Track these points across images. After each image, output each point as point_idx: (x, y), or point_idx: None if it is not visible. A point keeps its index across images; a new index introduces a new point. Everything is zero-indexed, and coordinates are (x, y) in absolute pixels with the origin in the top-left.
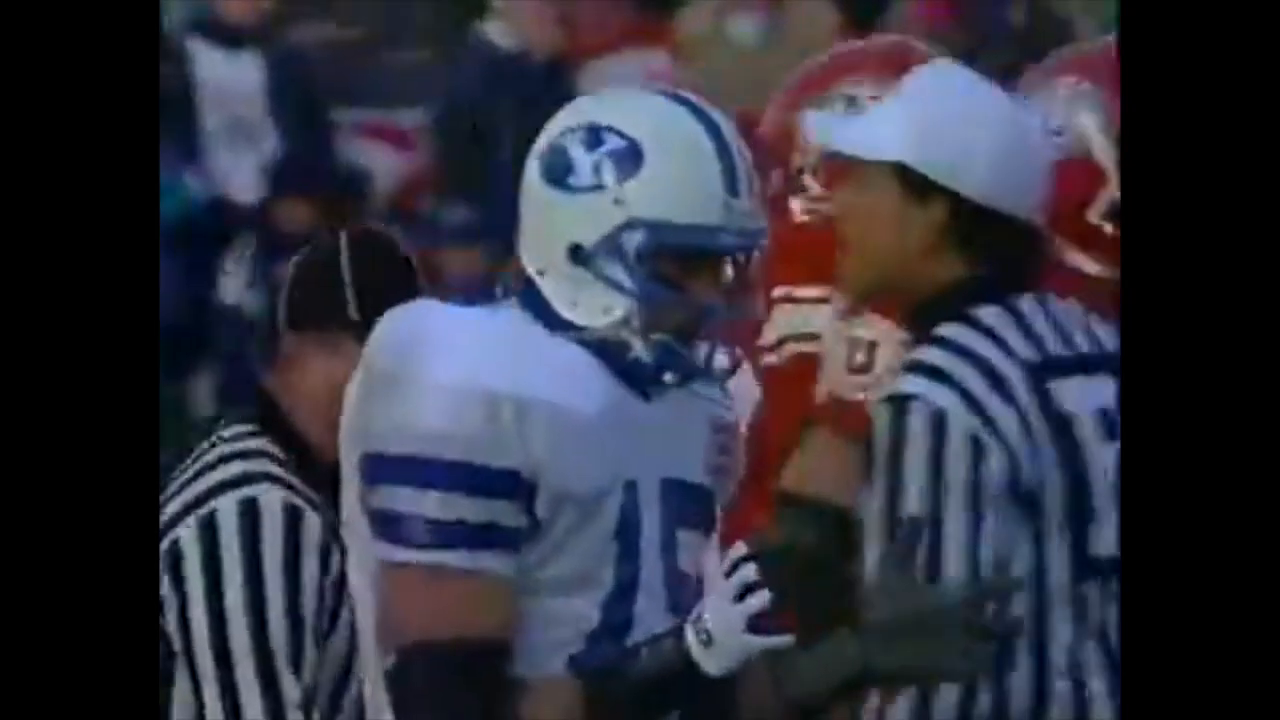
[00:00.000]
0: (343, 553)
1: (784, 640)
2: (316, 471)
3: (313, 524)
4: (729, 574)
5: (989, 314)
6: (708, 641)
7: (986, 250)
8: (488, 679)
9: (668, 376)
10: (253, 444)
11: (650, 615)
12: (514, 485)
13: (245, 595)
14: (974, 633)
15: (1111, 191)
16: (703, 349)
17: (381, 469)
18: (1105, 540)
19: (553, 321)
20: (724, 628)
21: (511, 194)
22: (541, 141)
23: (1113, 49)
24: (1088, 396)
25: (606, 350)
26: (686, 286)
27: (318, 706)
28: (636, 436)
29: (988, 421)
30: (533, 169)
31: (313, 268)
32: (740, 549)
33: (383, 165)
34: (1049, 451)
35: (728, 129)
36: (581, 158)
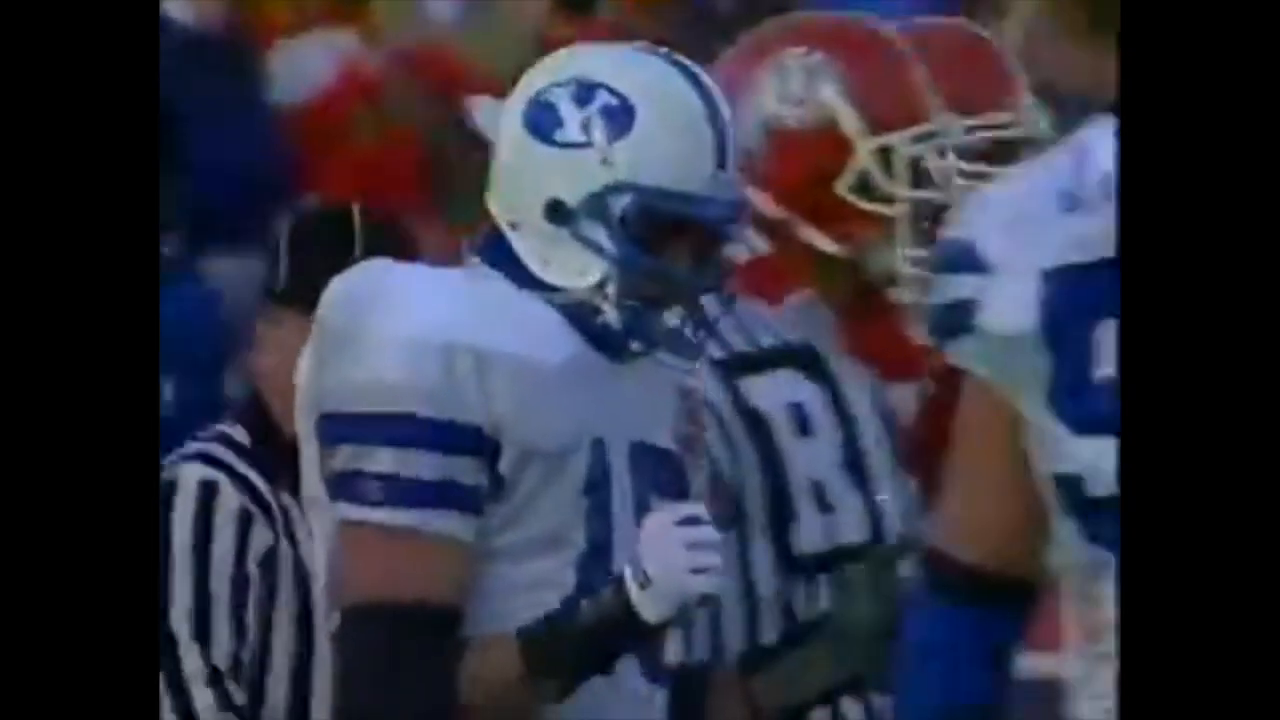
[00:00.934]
0: (274, 527)
1: (723, 584)
2: (280, 451)
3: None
4: (681, 524)
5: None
6: (645, 583)
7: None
8: (434, 645)
9: (635, 344)
10: (215, 429)
11: None
12: (475, 441)
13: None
14: None
15: (859, 163)
16: (674, 323)
17: (337, 428)
18: (807, 538)
19: (521, 278)
20: (664, 569)
21: (196, 179)
22: (523, 91)
23: (845, 21)
24: (777, 392)
25: (575, 312)
26: (663, 255)
27: (278, 683)
28: (603, 395)
29: None
30: (514, 119)
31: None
32: (696, 507)
33: None
34: (747, 452)
35: (720, 97)
36: (571, 113)
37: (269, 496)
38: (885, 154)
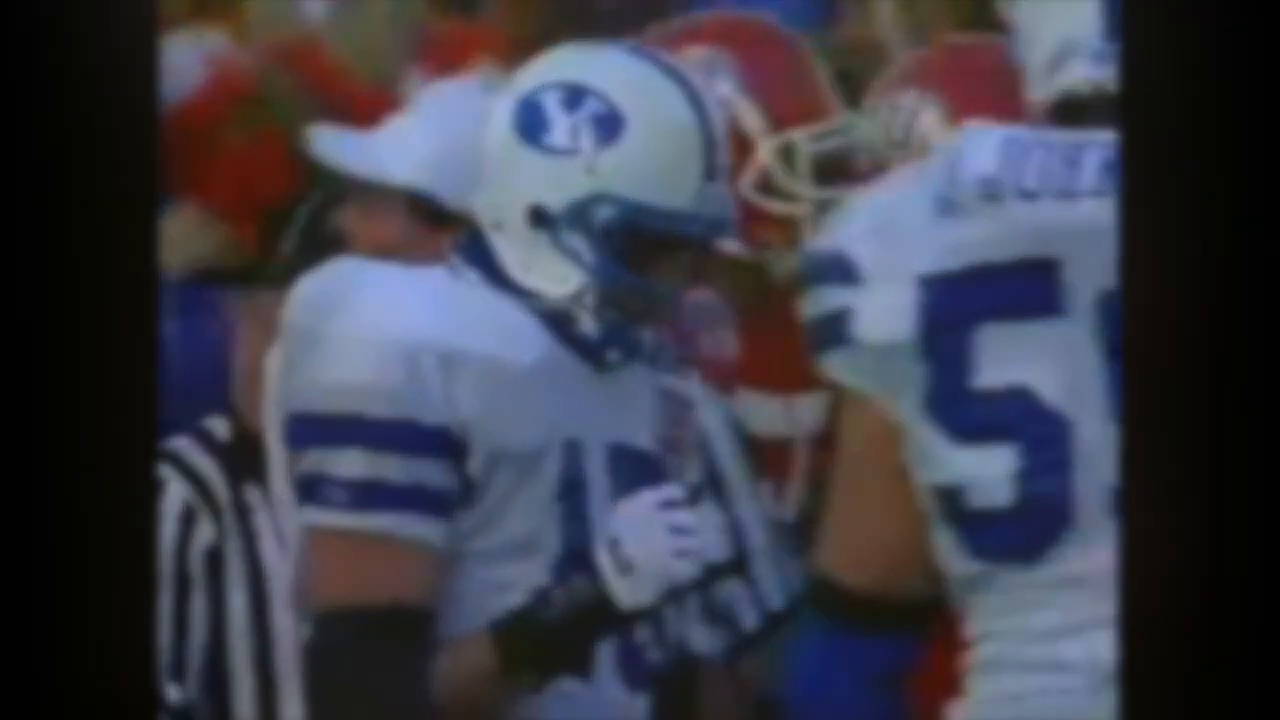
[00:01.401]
0: (220, 525)
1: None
2: (250, 446)
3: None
4: (662, 507)
5: None
6: (626, 568)
7: None
8: (407, 648)
9: (612, 355)
10: (200, 423)
11: None
12: (442, 443)
13: None
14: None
15: (761, 161)
16: (650, 340)
17: (302, 430)
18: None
19: (500, 281)
20: (648, 553)
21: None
22: (513, 89)
23: (744, 18)
24: None
25: (553, 319)
26: (645, 270)
27: (242, 686)
28: (578, 396)
29: None
30: (502, 119)
31: None
32: (677, 491)
33: None
34: None
35: (715, 110)
36: (559, 117)
37: (222, 494)
38: (787, 151)
